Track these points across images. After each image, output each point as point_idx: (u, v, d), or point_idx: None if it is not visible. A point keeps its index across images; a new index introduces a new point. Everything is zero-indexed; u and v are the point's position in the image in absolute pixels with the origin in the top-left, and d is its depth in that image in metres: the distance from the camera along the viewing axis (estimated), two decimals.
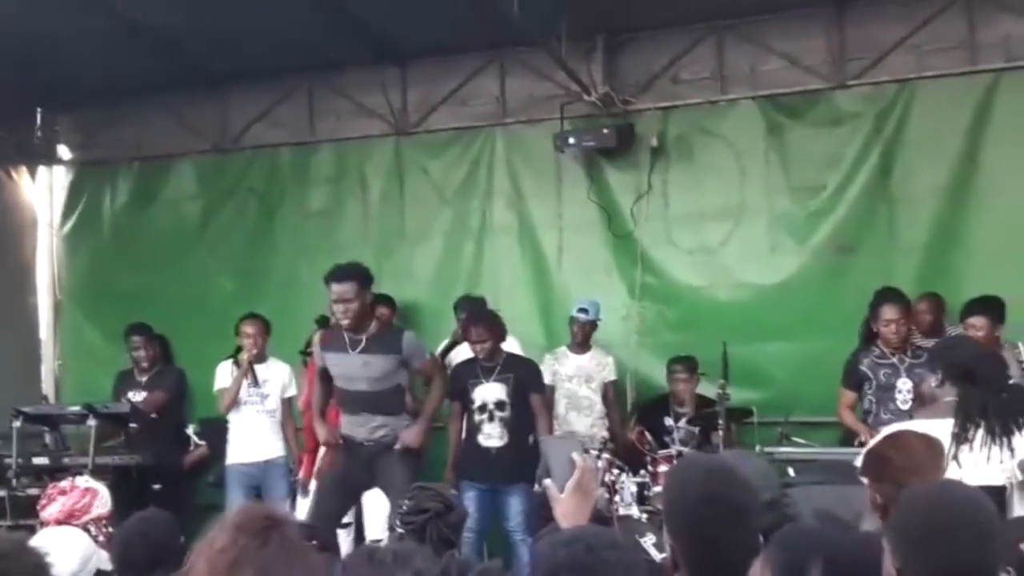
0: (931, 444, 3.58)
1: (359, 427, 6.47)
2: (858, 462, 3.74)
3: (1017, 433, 3.93)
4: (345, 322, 6.31)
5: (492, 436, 7.12)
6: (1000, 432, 3.90)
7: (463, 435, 7.41)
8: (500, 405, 7.13)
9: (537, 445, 7.19)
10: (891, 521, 2.49)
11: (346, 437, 6.55)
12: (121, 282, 10.12)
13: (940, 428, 3.87)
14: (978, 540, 2.43)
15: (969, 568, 2.41)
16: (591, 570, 2.40)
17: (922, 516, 2.44)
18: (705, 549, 2.70)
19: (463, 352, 7.71)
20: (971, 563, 2.41)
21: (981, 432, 3.92)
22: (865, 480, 3.61)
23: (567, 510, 3.03)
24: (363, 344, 6.33)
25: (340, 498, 6.67)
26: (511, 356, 7.39)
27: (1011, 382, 4.44)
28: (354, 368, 6.36)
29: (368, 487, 6.77)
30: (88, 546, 4.26)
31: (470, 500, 6.94)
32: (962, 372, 4.14)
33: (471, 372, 7.34)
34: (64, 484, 4.71)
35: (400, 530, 3.77)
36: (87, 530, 4.48)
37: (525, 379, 7.28)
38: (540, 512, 7.05)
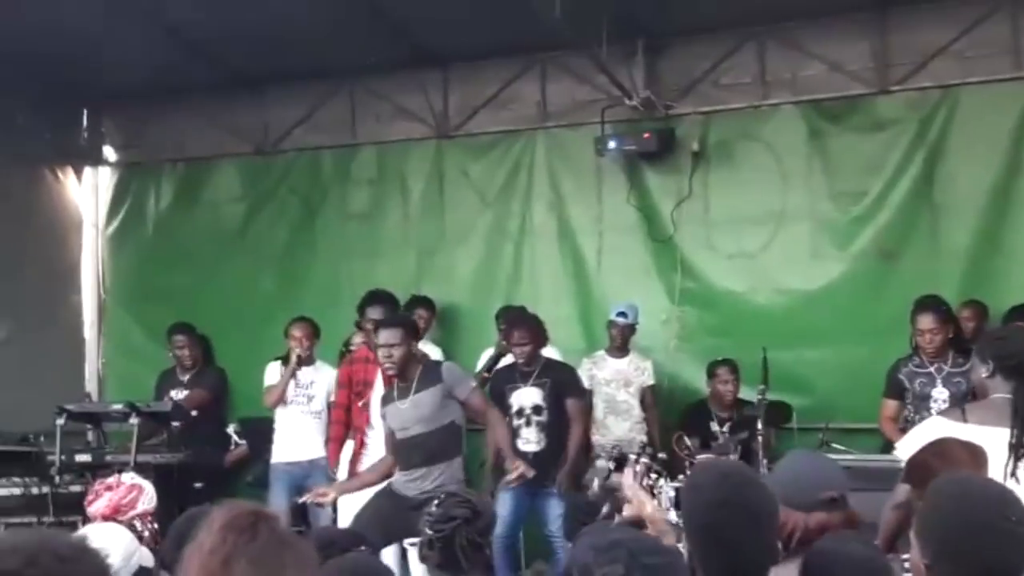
0: (974, 452, 3.55)
1: (415, 482, 6.20)
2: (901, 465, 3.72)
3: None
4: (389, 367, 6.27)
5: (530, 441, 7.12)
6: None
7: None
8: (537, 410, 7.13)
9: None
10: (920, 515, 2.46)
11: (394, 486, 6.36)
12: (164, 282, 10.23)
13: (995, 437, 3.81)
14: (1008, 540, 2.40)
15: (997, 567, 2.39)
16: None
17: (951, 512, 2.42)
18: (719, 554, 2.71)
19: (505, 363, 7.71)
20: (999, 562, 2.39)
21: None
22: (907, 487, 3.60)
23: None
24: (411, 389, 6.27)
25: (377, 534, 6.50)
26: (549, 361, 7.40)
27: None
28: (406, 413, 6.23)
29: (410, 535, 6.56)
30: (131, 543, 4.31)
31: (506, 502, 6.94)
32: (1015, 365, 4.02)
33: (509, 377, 7.35)
34: (111, 480, 4.78)
35: (430, 533, 3.78)
36: (132, 526, 4.54)
37: (562, 383, 7.27)
38: (578, 515, 7.07)
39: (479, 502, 3.86)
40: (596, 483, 4.19)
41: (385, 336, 6.29)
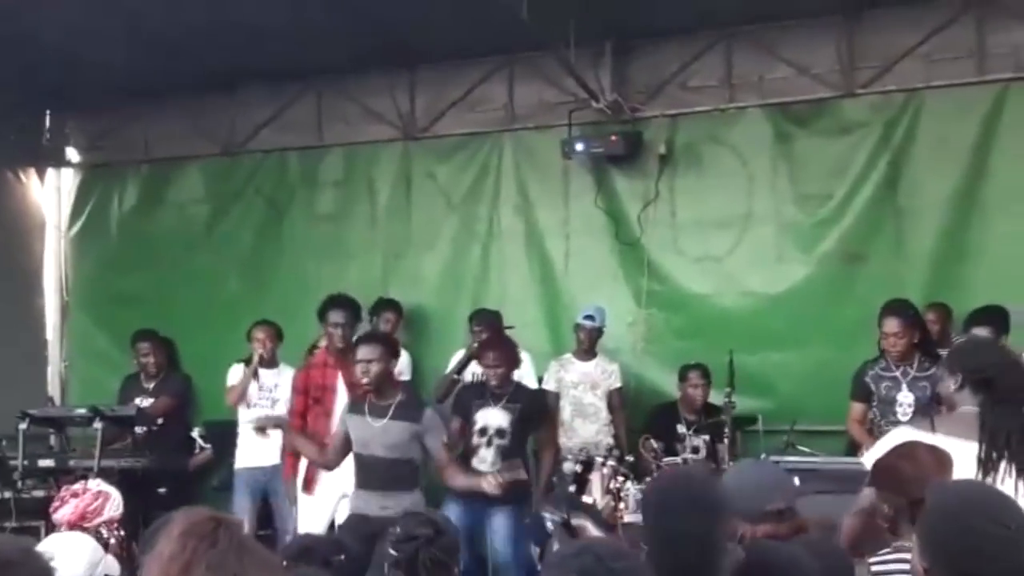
0: (940, 457, 3.57)
1: (374, 499, 6.19)
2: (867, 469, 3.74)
3: None
4: (365, 381, 6.26)
5: (486, 461, 6.95)
6: (1020, 469, 3.81)
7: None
8: (501, 433, 6.99)
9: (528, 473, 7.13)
10: (920, 519, 2.48)
11: (355, 513, 6.31)
12: (128, 284, 10.18)
13: (964, 451, 3.82)
14: (1005, 546, 2.42)
15: (999, 573, 2.41)
16: None
17: (949, 518, 2.44)
18: (672, 553, 2.75)
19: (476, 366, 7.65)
20: (996, 569, 2.41)
21: (1005, 463, 3.82)
22: (874, 490, 3.62)
23: None
24: (388, 411, 6.23)
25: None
26: (521, 386, 7.27)
27: None
28: (373, 432, 6.21)
29: None
30: (95, 551, 4.27)
31: (452, 512, 6.83)
32: (983, 378, 4.03)
33: (479, 393, 7.20)
34: (77, 487, 4.73)
35: (394, 554, 3.74)
36: (99, 533, 4.50)
37: (533, 412, 7.16)
38: (532, 533, 7.08)
39: (442, 520, 3.82)
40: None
41: (364, 352, 6.27)
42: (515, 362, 7.17)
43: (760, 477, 3.62)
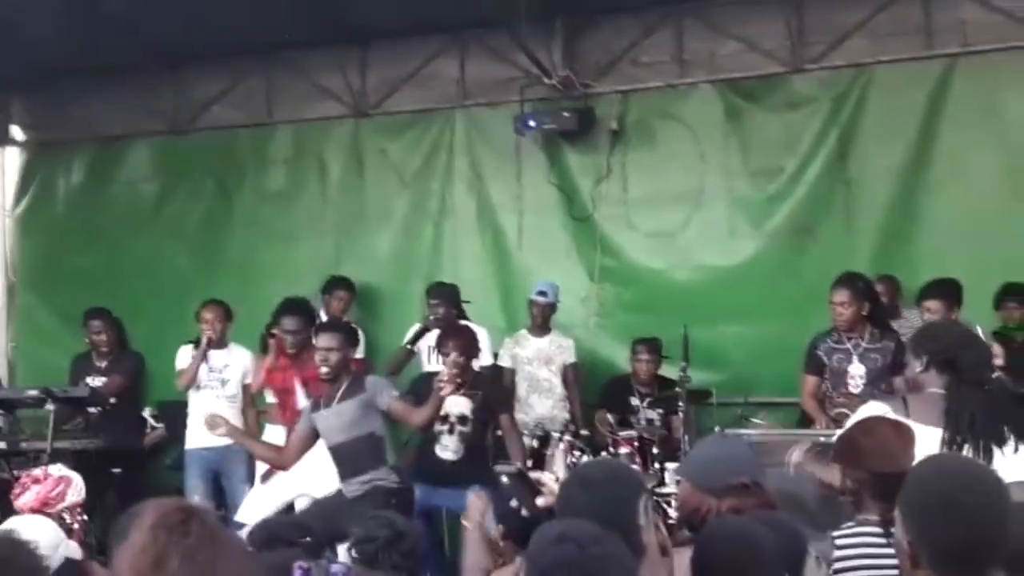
0: (901, 430, 3.63)
1: (347, 490, 6.24)
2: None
3: (999, 451, 3.95)
4: (324, 370, 6.26)
5: (448, 448, 6.93)
6: (984, 449, 3.91)
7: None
8: (463, 420, 6.96)
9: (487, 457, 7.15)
10: (902, 493, 2.52)
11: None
12: (76, 264, 10.06)
13: (931, 437, 3.90)
14: (990, 518, 2.46)
15: (981, 544, 2.45)
16: (582, 567, 2.52)
17: (935, 491, 2.47)
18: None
19: (432, 339, 7.63)
20: (982, 540, 2.45)
21: (969, 444, 3.92)
22: (837, 465, 3.67)
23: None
24: (337, 396, 6.26)
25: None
26: (482, 374, 7.23)
27: (995, 375, 4.46)
28: (329, 420, 6.25)
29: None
30: (55, 534, 4.23)
31: (418, 491, 6.84)
32: (947, 359, 4.14)
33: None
34: (37, 472, 4.71)
35: (354, 555, 3.75)
36: (61, 519, 4.47)
37: (493, 399, 7.10)
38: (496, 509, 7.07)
39: (402, 523, 3.83)
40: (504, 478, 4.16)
41: (324, 340, 6.29)
42: (475, 350, 7.13)
43: (725, 451, 3.65)
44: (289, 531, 3.81)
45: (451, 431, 6.92)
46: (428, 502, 6.76)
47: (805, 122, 8.26)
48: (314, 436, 6.36)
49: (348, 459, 6.23)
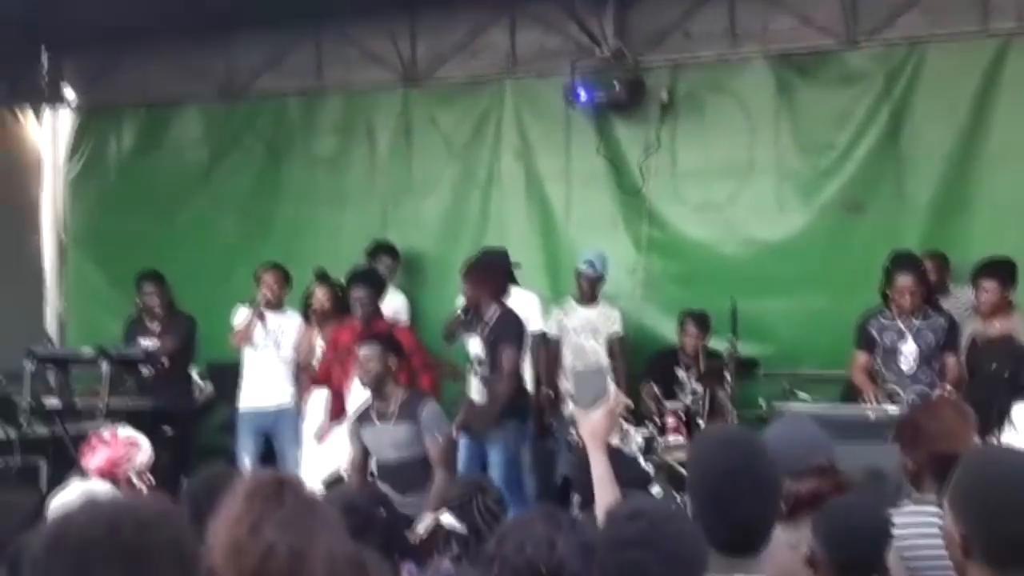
0: (963, 413, 3.66)
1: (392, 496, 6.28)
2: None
3: None
4: (364, 380, 6.30)
5: (475, 390, 7.08)
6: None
7: None
8: (479, 361, 7.06)
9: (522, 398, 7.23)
10: (954, 486, 2.49)
11: None
12: (126, 226, 10.17)
13: None
14: None
15: None
16: (654, 544, 2.55)
17: (986, 485, 2.43)
18: (724, 521, 2.77)
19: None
20: None
21: None
22: (897, 446, 3.70)
23: (594, 428, 3.40)
24: (392, 414, 6.23)
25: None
26: (502, 317, 7.07)
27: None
28: (381, 436, 6.24)
29: None
30: None
31: (463, 448, 6.96)
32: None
33: (469, 325, 7.22)
34: (105, 433, 4.73)
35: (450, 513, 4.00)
36: (130, 480, 4.52)
37: (498, 334, 7.01)
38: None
39: (481, 479, 4.26)
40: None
41: (364, 352, 6.30)
42: (491, 289, 7.10)
43: (801, 434, 3.68)
44: (367, 501, 3.90)
45: (476, 373, 7.04)
46: (464, 455, 6.93)
47: (857, 98, 8.20)
48: (367, 453, 6.38)
49: (393, 475, 6.20)
